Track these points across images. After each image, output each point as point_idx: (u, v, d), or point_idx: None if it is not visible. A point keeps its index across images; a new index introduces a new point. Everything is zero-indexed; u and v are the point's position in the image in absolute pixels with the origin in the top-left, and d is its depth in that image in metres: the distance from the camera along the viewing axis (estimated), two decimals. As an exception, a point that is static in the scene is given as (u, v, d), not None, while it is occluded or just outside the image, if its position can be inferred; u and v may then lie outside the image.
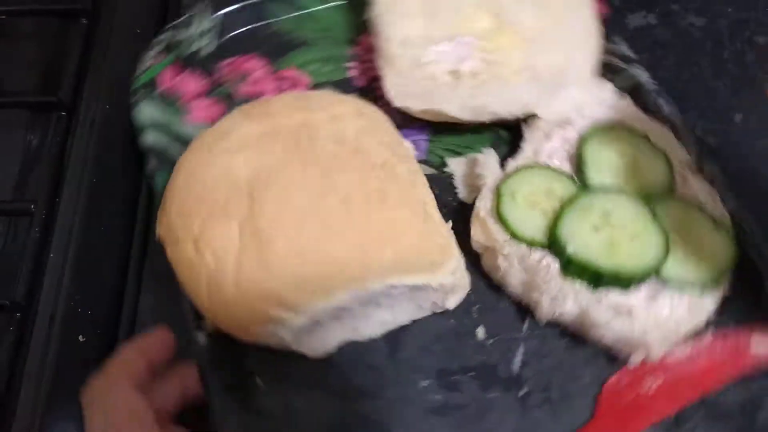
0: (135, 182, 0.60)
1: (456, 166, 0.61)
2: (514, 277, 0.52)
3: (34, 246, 0.54)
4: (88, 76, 0.64)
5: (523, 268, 0.51)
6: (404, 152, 0.50)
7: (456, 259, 0.48)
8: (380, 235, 0.45)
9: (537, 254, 0.51)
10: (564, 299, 0.50)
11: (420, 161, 0.60)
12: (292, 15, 0.69)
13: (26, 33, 0.70)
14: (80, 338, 0.52)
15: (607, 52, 0.62)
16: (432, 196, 0.49)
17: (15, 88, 0.68)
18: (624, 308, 0.49)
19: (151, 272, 0.56)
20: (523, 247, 0.51)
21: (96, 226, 0.56)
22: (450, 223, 0.52)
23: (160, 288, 0.55)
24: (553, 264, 0.50)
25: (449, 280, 0.48)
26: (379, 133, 0.49)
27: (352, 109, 0.50)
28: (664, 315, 0.48)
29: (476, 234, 0.53)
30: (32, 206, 0.56)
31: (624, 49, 0.63)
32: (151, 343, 0.46)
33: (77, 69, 0.64)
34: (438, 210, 0.49)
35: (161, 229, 0.47)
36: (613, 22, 0.69)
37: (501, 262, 0.52)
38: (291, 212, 0.44)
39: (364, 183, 0.46)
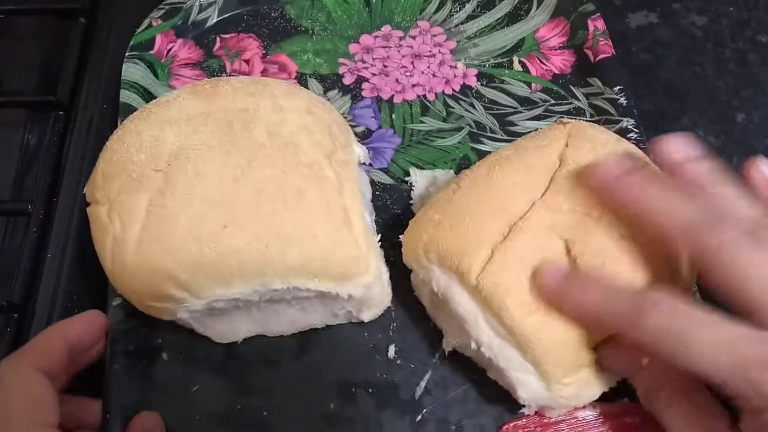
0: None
1: (417, 177, 0.59)
2: (425, 300, 0.51)
3: (32, 246, 0.55)
4: (86, 76, 0.65)
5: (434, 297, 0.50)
6: (344, 158, 0.49)
7: (370, 275, 0.47)
8: (287, 235, 0.44)
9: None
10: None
11: (381, 169, 0.60)
12: (302, 2, 0.69)
13: (24, 32, 0.71)
14: (77, 339, 0.53)
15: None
16: (360, 205, 0.48)
17: (12, 88, 0.68)
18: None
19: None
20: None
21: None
22: (378, 236, 0.51)
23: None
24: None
25: (359, 293, 0.47)
26: (319, 133, 0.48)
27: (302, 105, 0.50)
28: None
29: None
30: (29, 206, 0.57)
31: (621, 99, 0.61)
32: (75, 327, 0.46)
33: (75, 68, 0.65)
34: (364, 220, 0.48)
35: (87, 186, 0.47)
36: (613, 22, 0.70)
37: (418, 282, 0.51)
38: (200, 195, 0.44)
39: (284, 179, 0.45)
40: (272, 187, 0.45)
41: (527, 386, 0.45)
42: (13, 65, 0.69)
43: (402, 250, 0.50)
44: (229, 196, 0.44)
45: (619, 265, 0.43)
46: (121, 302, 0.51)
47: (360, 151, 0.54)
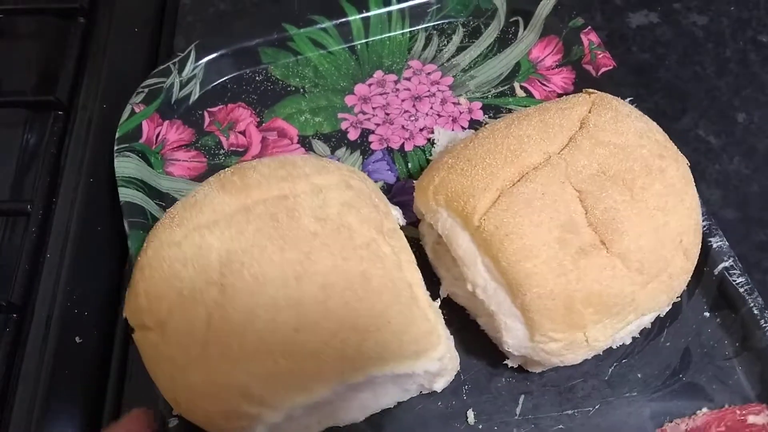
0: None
1: (440, 135, 0.59)
2: (429, 248, 0.54)
3: (31, 246, 0.54)
4: (85, 76, 0.64)
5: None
6: (391, 227, 0.46)
7: (443, 344, 0.45)
8: (362, 326, 0.41)
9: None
10: None
11: (411, 224, 0.57)
12: (285, 60, 0.66)
13: (24, 32, 0.71)
14: (77, 339, 0.51)
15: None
16: (419, 275, 0.46)
17: (13, 88, 0.68)
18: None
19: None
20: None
21: (93, 226, 0.56)
22: (438, 302, 0.49)
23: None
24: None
25: (435, 367, 0.45)
26: (365, 207, 0.45)
27: (338, 180, 0.47)
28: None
29: None
30: (29, 206, 0.56)
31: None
32: (124, 429, 0.45)
33: (75, 68, 0.65)
34: (425, 289, 0.46)
35: (128, 310, 0.44)
36: (614, 21, 0.70)
37: (425, 229, 0.53)
38: (264, 302, 0.40)
39: (346, 266, 0.42)
40: (336, 277, 0.42)
41: (513, 332, 0.45)
42: (12, 65, 0.68)
43: (414, 195, 0.51)
44: (294, 295, 0.41)
45: (627, 223, 0.44)
46: (177, 423, 0.47)
47: (397, 214, 0.51)
